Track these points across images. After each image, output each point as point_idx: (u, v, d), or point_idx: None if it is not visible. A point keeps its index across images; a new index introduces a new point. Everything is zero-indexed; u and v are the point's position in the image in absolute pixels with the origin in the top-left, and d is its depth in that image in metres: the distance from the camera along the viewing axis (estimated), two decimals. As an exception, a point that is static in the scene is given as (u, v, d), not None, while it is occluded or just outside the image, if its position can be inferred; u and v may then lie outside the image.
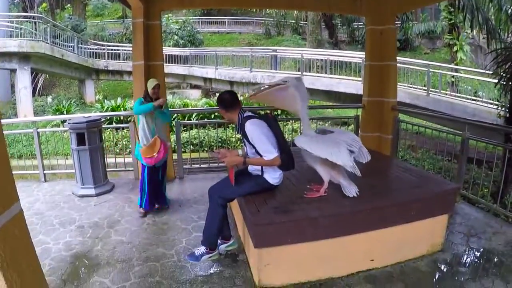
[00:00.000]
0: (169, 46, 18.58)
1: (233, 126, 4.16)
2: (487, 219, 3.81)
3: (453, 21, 12.93)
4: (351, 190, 2.83)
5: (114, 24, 24.41)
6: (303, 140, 2.76)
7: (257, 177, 2.93)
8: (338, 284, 2.76)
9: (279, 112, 9.98)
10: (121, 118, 9.90)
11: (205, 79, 16.83)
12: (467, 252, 3.19)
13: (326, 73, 12.46)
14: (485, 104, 9.21)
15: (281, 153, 2.79)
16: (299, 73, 12.76)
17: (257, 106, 6.04)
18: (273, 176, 2.91)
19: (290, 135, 7.12)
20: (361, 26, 20.25)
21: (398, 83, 7.00)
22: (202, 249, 2.99)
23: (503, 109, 6.58)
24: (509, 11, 7.34)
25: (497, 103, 8.03)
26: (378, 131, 5.48)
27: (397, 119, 5.34)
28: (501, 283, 2.69)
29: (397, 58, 5.93)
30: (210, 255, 2.99)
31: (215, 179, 3.63)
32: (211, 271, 2.96)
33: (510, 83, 5.70)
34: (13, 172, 1.88)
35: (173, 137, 6.61)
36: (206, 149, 7.82)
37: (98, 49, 18.91)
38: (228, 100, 2.87)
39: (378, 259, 2.93)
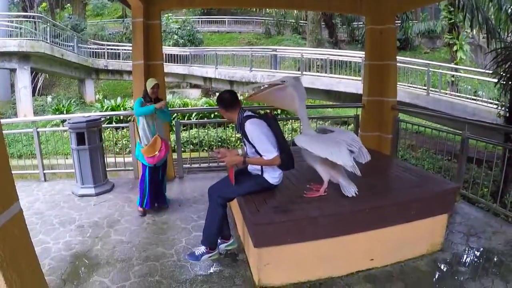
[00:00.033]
0: (169, 45, 18.59)
1: (233, 125, 4.16)
2: (487, 218, 3.81)
3: (453, 20, 12.94)
4: (350, 190, 2.83)
5: (114, 24, 24.40)
6: (303, 140, 2.76)
7: (256, 177, 2.93)
8: (338, 283, 2.76)
9: (279, 111, 9.98)
10: (121, 117, 9.90)
11: (205, 79, 16.83)
12: (467, 252, 3.19)
13: (326, 72, 12.46)
14: (485, 104, 9.22)
15: (281, 153, 2.79)
16: (299, 72, 12.76)
17: (257, 106, 6.04)
18: (272, 176, 2.91)
19: (290, 135, 7.11)
20: (361, 25, 20.25)
21: (398, 83, 7.00)
22: (202, 248, 2.99)
23: (503, 108, 6.58)
24: (509, 10, 7.34)
25: (497, 102, 8.03)
26: (378, 131, 5.47)
27: (397, 118, 5.34)
28: (500, 282, 2.69)
29: (397, 57, 5.93)
30: (210, 254, 2.99)
31: (215, 178, 3.63)
32: (211, 271, 2.96)
33: (510, 82, 5.70)
34: (13, 172, 1.88)
35: (173, 137, 6.60)
36: (206, 148, 7.82)
37: (98, 49, 18.91)
38: (228, 99, 2.87)
39: (378, 258, 2.93)
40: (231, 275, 2.88)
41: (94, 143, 4.76)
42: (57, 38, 15.69)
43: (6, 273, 1.63)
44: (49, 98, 16.34)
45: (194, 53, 17.58)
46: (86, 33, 20.20)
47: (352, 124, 6.30)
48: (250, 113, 2.87)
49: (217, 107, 2.98)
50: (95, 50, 18.79)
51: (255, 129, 2.73)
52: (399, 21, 16.73)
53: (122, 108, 11.73)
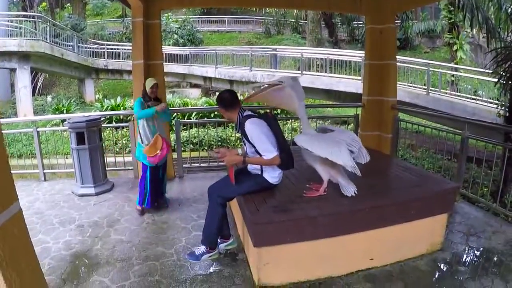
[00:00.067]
0: (169, 45, 18.59)
1: (233, 125, 4.16)
2: (486, 218, 3.82)
3: (453, 20, 12.94)
4: (349, 189, 2.83)
5: (113, 23, 24.39)
6: (303, 139, 2.75)
7: (256, 176, 2.93)
8: (338, 283, 2.76)
9: (279, 111, 9.97)
10: (121, 117, 9.89)
11: (204, 78, 16.82)
12: (466, 251, 3.19)
13: (326, 72, 12.45)
14: (485, 103, 9.21)
15: (281, 152, 2.79)
16: (299, 72, 12.75)
17: (257, 105, 6.04)
18: (272, 175, 2.91)
19: (290, 134, 7.11)
20: (361, 25, 20.25)
21: (398, 82, 6.99)
22: (202, 248, 2.99)
23: (502, 108, 6.58)
24: (509, 10, 7.34)
25: (496, 102, 8.03)
26: (378, 130, 5.47)
27: (397, 118, 5.34)
28: (500, 282, 2.69)
29: (397, 57, 5.93)
30: (210, 254, 2.99)
31: (215, 178, 3.63)
32: (211, 270, 2.96)
33: (509, 82, 5.70)
34: (13, 172, 1.88)
35: (172, 136, 6.60)
36: (205, 148, 7.82)
37: (97, 48, 18.90)
38: (228, 99, 2.87)
39: (378, 258, 2.93)
40: (230, 275, 2.88)
41: (94, 143, 4.76)
42: (57, 37, 15.68)
43: (5, 273, 1.63)
44: (49, 98, 16.34)
45: (194, 53, 17.58)
46: (86, 33, 20.19)
47: (352, 124, 6.30)
48: (250, 112, 2.87)
49: (217, 106, 2.98)
50: (95, 50, 18.78)
51: (255, 129, 2.73)
52: (399, 21, 16.73)
53: (122, 108, 11.72)
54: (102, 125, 5.39)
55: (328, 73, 12.27)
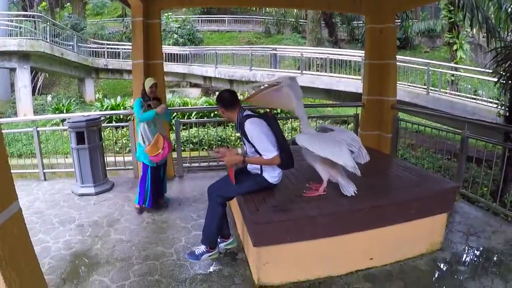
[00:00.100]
0: (169, 44, 18.57)
1: (233, 124, 4.15)
2: (486, 218, 3.82)
3: (453, 19, 12.94)
4: (349, 189, 2.83)
5: (113, 23, 24.37)
6: (304, 139, 2.75)
7: (256, 176, 2.93)
8: (337, 282, 2.76)
9: (279, 110, 9.97)
10: (121, 116, 9.84)
11: (204, 78, 16.82)
12: (466, 251, 3.19)
13: (326, 71, 12.44)
14: (485, 103, 9.21)
15: (281, 152, 2.79)
16: (299, 71, 12.74)
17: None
18: (272, 175, 2.91)
19: (290, 134, 7.11)
20: (361, 24, 20.23)
21: (398, 82, 6.99)
22: (202, 248, 2.99)
23: (502, 107, 6.57)
24: (509, 9, 7.33)
25: (496, 101, 8.03)
26: (377, 130, 5.47)
27: (397, 117, 5.34)
28: (500, 282, 2.69)
29: (397, 56, 5.92)
30: (210, 253, 2.99)
31: (215, 177, 3.63)
32: (211, 270, 2.96)
33: (509, 81, 5.70)
34: (13, 171, 1.88)
35: (172, 136, 6.60)
36: (205, 147, 7.82)
37: (97, 48, 18.89)
38: (228, 98, 2.87)
39: (377, 257, 2.93)
40: (230, 274, 2.89)
41: (93, 142, 4.76)
42: (57, 37, 15.67)
43: (5, 272, 1.63)
44: (49, 97, 16.33)
45: (194, 52, 17.57)
46: (86, 32, 20.18)
47: (352, 123, 6.29)
48: (249, 112, 2.87)
49: (217, 106, 2.98)
50: (95, 49, 18.77)
51: (254, 129, 2.73)
52: (399, 20, 16.73)
53: (122, 107, 11.72)
54: (102, 125, 5.39)
55: (328, 73, 12.26)
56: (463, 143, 4.15)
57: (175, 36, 19.37)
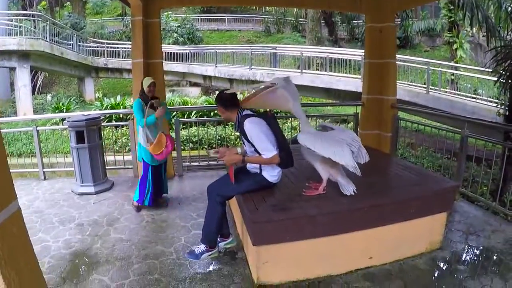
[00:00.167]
0: (169, 43, 18.56)
1: (233, 124, 4.14)
2: (486, 217, 3.82)
3: (453, 19, 12.93)
4: (348, 188, 2.83)
5: (113, 22, 24.35)
6: (306, 138, 2.74)
7: (255, 175, 2.93)
8: (337, 281, 2.76)
9: (278, 110, 9.95)
10: (121, 116, 9.83)
11: (204, 77, 16.81)
12: (466, 250, 3.19)
13: (326, 70, 12.43)
14: (485, 102, 9.21)
15: (280, 151, 2.79)
16: (299, 70, 12.73)
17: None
18: (271, 174, 2.91)
19: (290, 133, 7.11)
20: (361, 23, 20.19)
21: (398, 81, 6.99)
22: (202, 247, 3.00)
23: (502, 107, 6.57)
24: (509, 9, 7.32)
25: (496, 101, 8.03)
26: (377, 129, 5.47)
27: (397, 117, 5.33)
28: (499, 281, 2.70)
29: (397, 55, 5.92)
30: (210, 253, 3.00)
31: (214, 176, 3.63)
32: (210, 269, 2.96)
33: (509, 81, 5.69)
34: (13, 170, 1.88)
35: (172, 135, 6.58)
36: (205, 146, 7.82)
37: (97, 47, 18.88)
38: (227, 98, 2.87)
39: (377, 257, 2.93)
40: (230, 273, 2.89)
41: (93, 142, 4.76)
42: (56, 36, 15.67)
43: (4, 272, 1.63)
44: (48, 97, 16.33)
45: (193, 51, 17.56)
46: (86, 32, 20.15)
47: (352, 122, 6.29)
48: (249, 112, 2.87)
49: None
50: (95, 49, 18.76)
51: (254, 128, 2.73)
52: (399, 19, 16.72)
53: (121, 107, 11.71)
54: (102, 124, 5.39)
55: (328, 72, 12.25)
56: (462, 142, 4.15)
57: (175, 35, 19.36)
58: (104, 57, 18.52)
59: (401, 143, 6.75)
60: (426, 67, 10.47)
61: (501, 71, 5.73)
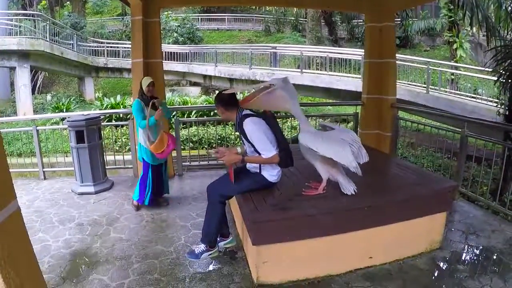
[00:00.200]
0: (169, 43, 18.57)
1: (233, 123, 4.14)
2: (486, 217, 3.82)
3: (452, 18, 12.93)
4: (349, 188, 2.83)
5: (113, 22, 24.34)
6: (307, 138, 2.73)
7: (255, 175, 2.93)
8: (336, 281, 2.76)
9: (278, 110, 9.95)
10: (121, 115, 9.85)
11: (204, 77, 16.81)
12: (465, 250, 3.19)
13: (326, 70, 12.43)
14: (485, 102, 9.20)
15: (280, 151, 2.79)
16: (299, 70, 12.73)
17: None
18: (271, 174, 2.91)
19: (289, 133, 7.11)
20: (361, 23, 20.16)
21: (398, 81, 6.99)
22: (202, 246, 3.00)
23: (502, 106, 6.57)
24: (509, 8, 7.31)
25: (496, 100, 8.02)
26: (377, 129, 5.47)
27: (397, 116, 5.34)
28: (499, 281, 2.69)
29: (397, 55, 5.91)
30: (210, 252, 3.00)
31: (214, 176, 3.63)
32: (210, 268, 2.96)
33: (509, 80, 5.69)
34: (13, 170, 1.88)
35: (172, 135, 6.60)
36: (205, 146, 7.82)
37: (97, 47, 18.88)
38: (227, 98, 2.87)
39: (377, 256, 2.93)
40: (229, 273, 2.89)
41: (93, 141, 4.75)
42: (56, 36, 15.67)
43: (4, 271, 1.63)
44: (48, 96, 16.34)
45: (193, 51, 17.56)
46: (86, 31, 20.15)
47: (352, 122, 6.29)
48: (248, 111, 2.87)
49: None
50: (95, 48, 18.76)
51: (254, 128, 2.73)
52: (399, 19, 16.71)
53: (121, 106, 11.71)
54: (102, 124, 5.39)
55: (328, 72, 12.25)
56: (462, 141, 4.15)
57: (175, 34, 19.37)
58: (104, 56, 18.51)
59: (401, 143, 6.76)
60: (426, 66, 10.47)
61: (501, 71, 5.73)
